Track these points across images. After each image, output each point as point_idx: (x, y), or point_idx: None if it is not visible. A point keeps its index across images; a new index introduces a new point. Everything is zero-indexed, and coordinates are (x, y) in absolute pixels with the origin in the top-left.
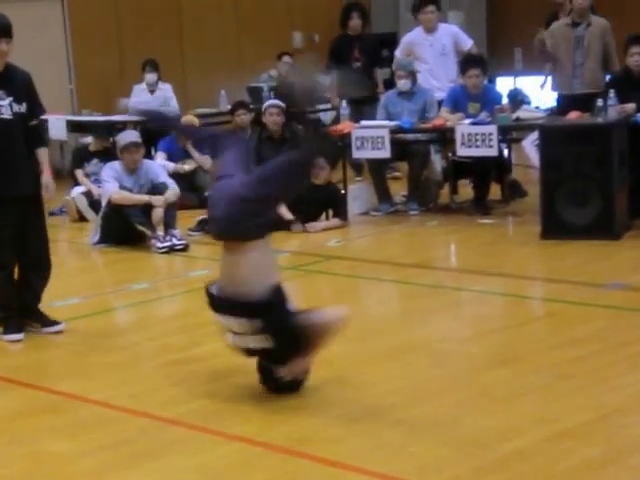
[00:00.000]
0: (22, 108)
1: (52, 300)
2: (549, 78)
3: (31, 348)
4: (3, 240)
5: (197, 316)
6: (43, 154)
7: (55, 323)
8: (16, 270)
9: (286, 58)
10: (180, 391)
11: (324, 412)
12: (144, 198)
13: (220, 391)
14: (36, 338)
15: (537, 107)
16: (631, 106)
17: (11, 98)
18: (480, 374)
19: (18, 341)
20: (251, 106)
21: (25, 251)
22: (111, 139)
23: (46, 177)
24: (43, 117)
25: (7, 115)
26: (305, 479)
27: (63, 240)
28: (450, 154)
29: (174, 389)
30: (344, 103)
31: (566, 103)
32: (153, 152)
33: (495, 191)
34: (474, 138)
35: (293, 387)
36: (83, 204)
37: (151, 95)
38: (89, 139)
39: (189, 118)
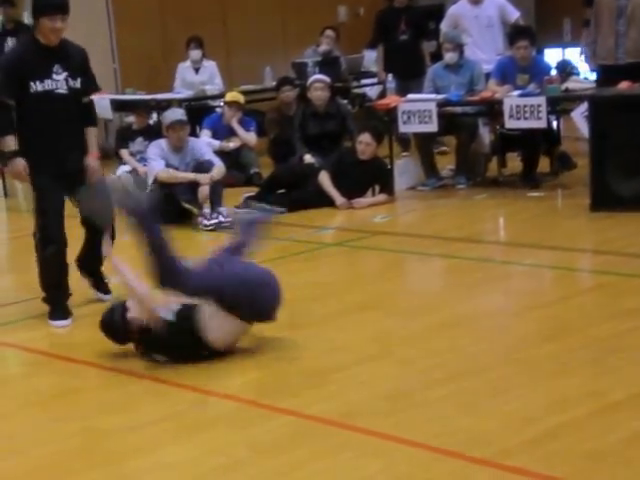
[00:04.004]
0: (77, 84)
1: None
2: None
3: (81, 325)
4: (51, 212)
5: None
6: (92, 134)
7: (106, 292)
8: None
9: (328, 32)
10: (229, 366)
11: (372, 386)
12: (190, 176)
13: (268, 366)
14: (86, 315)
15: (586, 78)
16: None
17: (67, 73)
18: (529, 348)
19: (65, 327)
20: (296, 82)
21: (87, 221)
22: (154, 117)
23: (92, 159)
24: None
25: (63, 90)
26: (354, 451)
27: None
28: (498, 127)
29: (223, 364)
30: (390, 77)
31: (609, 74)
32: (198, 130)
33: (544, 163)
34: (523, 110)
35: None
36: (129, 183)
37: (196, 73)
38: (132, 118)
39: (234, 95)
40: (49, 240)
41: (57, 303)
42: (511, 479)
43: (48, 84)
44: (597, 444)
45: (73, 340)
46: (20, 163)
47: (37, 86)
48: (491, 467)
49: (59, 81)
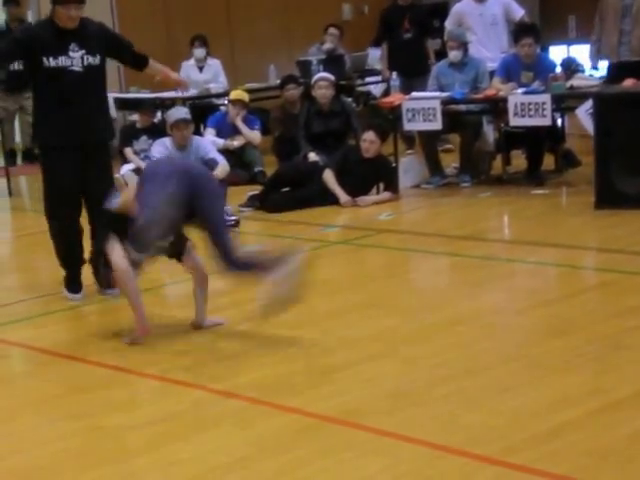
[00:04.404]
0: (95, 60)
1: None
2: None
3: (84, 324)
4: (54, 193)
5: (248, 291)
6: (154, 63)
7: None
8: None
9: (332, 30)
10: (233, 364)
11: (376, 384)
12: None
13: (272, 364)
14: (89, 314)
15: (591, 75)
16: None
17: (84, 51)
18: (533, 345)
19: (74, 300)
20: (300, 80)
21: (91, 202)
22: (159, 115)
23: (173, 74)
24: None
25: (77, 67)
26: (357, 449)
27: None
28: (502, 124)
29: (227, 362)
30: (394, 75)
31: (615, 70)
32: (202, 128)
33: (548, 161)
34: (527, 108)
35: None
36: (133, 181)
37: (200, 71)
38: (136, 116)
39: (238, 93)
40: (51, 218)
41: (67, 277)
42: (514, 476)
43: (62, 60)
44: (600, 441)
45: (77, 339)
46: None
47: (50, 62)
48: (494, 464)
49: (75, 59)
